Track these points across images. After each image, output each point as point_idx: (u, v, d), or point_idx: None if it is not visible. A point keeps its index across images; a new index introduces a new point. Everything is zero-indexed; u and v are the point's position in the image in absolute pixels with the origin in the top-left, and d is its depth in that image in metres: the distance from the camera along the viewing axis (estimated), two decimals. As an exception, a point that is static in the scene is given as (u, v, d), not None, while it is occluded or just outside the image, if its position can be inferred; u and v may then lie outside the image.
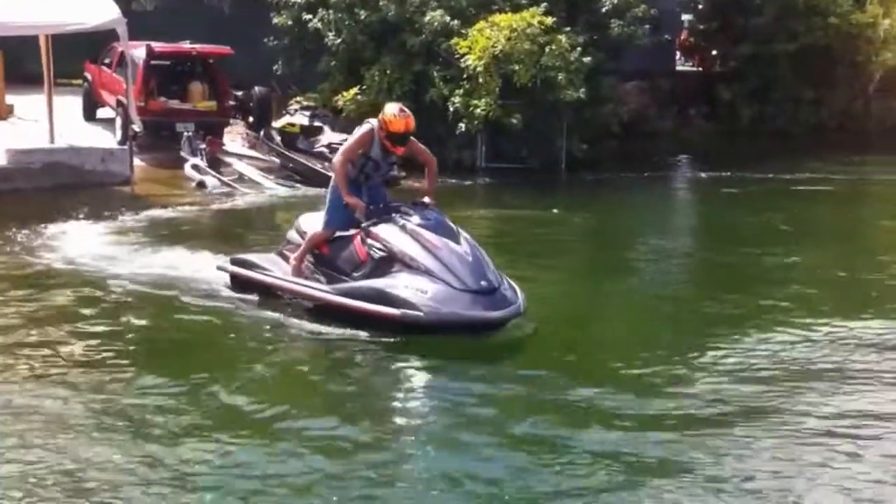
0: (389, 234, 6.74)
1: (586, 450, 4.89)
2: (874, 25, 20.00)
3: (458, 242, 6.71)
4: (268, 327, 6.97)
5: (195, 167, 13.78)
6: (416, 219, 6.77)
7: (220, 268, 7.91)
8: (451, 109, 14.68)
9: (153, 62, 14.90)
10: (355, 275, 6.86)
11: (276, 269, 7.42)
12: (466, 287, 6.48)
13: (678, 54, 22.52)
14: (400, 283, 6.51)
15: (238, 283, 7.68)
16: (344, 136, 14.59)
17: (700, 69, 22.15)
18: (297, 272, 7.22)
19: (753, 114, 19.44)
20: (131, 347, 6.74)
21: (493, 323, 6.56)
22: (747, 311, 7.73)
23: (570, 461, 4.79)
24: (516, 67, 14.49)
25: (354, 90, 15.29)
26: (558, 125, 15.40)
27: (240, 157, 14.88)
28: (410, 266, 6.58)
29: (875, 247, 11.32)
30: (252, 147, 15.46)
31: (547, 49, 14.60)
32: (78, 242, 9.72)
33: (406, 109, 6.92)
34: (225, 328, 7.03)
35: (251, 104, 15.55)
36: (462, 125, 14.60)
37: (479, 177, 15.32)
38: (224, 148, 15.00)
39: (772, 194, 14.55)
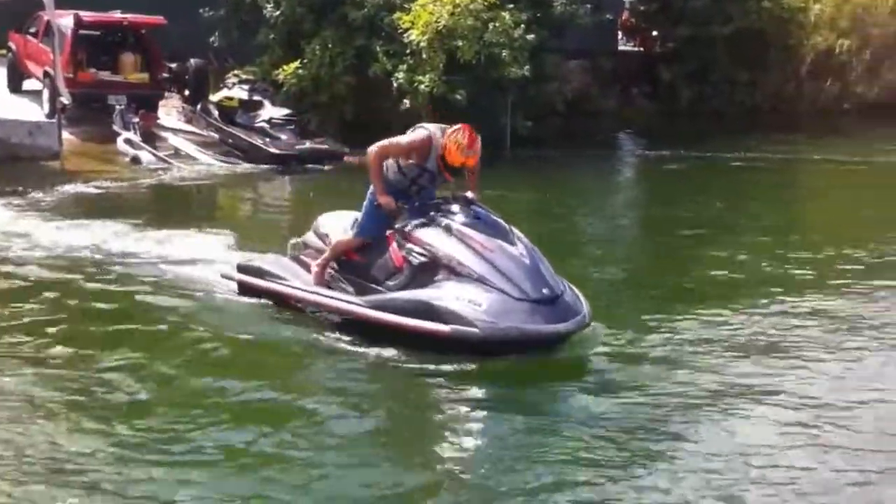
0: (432, 237, 5.80)
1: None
2: (805, 10, 20.46)
3: (512, 243, 5.76)
4: (218, 324, 6.27)
5: (128, 141, 13.29)
6: (460, 217, 5.86)
7: (225, 276, 6.92)
8: (395, 85, 14.40)
9: (82, 32, 14.29)
10: (390, 284, 5.94)
11: (291, 276, 6.47)
12: (526, 296, 5.52)
13: (620, 34, 22.60)
14: (448, 294, 5.56)
15: (247, 292, 6.73)
16: (285, 110, 14.30)
17: (641, 49, 22.24)
18: (320, 280, 6.30)
19: (692, 94, 19.63)
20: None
21: (558, 337, 5.61)
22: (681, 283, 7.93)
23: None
24: (460, 43, 14.26)
25: (295, 64, 14.86)
26: (503, 102, 15.23)
27: (175, 131, 14.40)
28: (459, 273, 5.63)
29: (805, 220, 11.70)
30: (188, 121, 14.96)
31: (490, 25, 14.40)
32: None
33: (478, 141, 5.96)
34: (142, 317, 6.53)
35: (187, 77, 15.01)
36: (406, 101, 14.34)
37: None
38: (159, 122, 14.49)
39: (711, 171, 14.76)
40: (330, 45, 14.88)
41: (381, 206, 6.00)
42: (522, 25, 14.57)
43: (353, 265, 6.23)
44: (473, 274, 5.60)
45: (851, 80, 22.71)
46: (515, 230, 5.96)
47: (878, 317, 6.70)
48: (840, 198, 12.91)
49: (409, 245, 5.87)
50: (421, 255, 5.82)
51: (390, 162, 6.08)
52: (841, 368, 5.71)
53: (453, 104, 14.36)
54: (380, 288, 5.98)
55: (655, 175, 15.17)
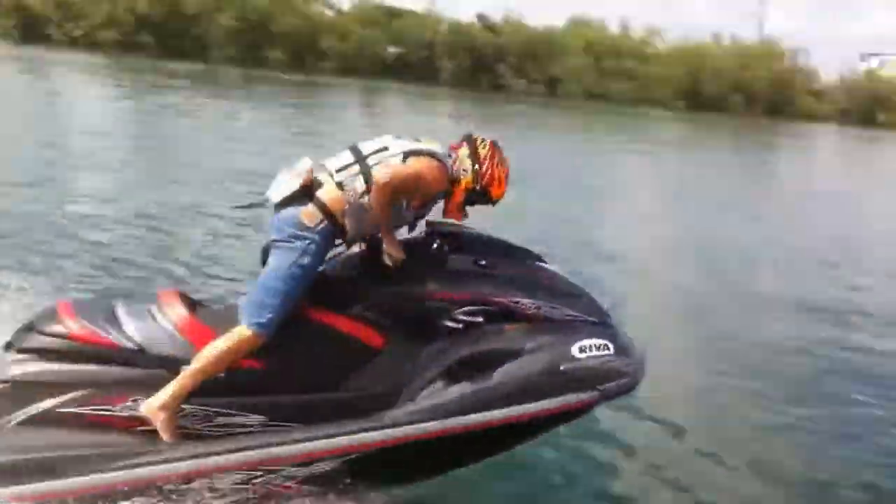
0: (485, 284, 4.17)
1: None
2: None
3: (542, 259, 4.47)
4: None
5: None
6: (475, 247, 4.29)
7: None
8: None
9: None
10: (358, 378, 3.99)
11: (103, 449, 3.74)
12: (608, 317, 4.38)
13: None
14: (565, 350, 4.09)
15: None
16: None
17: None
18: (174, 430, 3.80)
19: None
20: None
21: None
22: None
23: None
24: None
25: None
26: None
27: None
28: (550, 319, 4.19)
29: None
30: None
31: None
32: None
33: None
34: None
35: None
36: None
37: None
38: None
39: None
40: None
41: (306, 272, 3.96)
42: None
43: (251, 377, 3.90)
44: (568, 313, 4.25)
45: None
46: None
47: None
48: None
49: (437, 298, 4.09)
50: (479, 312, 4.14)
51: (364, 201, 4.04)
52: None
53: None
54: (342, 394, 3.97)
55: None
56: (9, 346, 3.80)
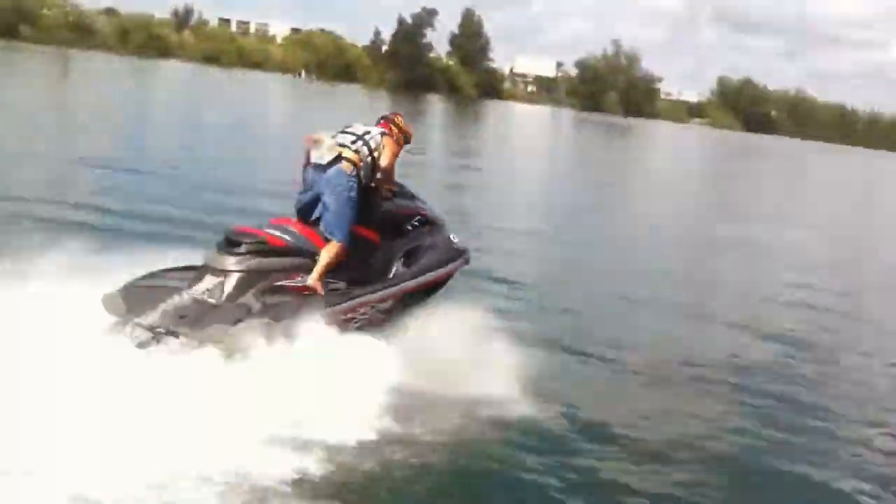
0: (419, 203, 7.71)
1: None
2: None
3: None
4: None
5: None
6: (401, 188, 7.66)
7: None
8: None
9: None
10: (373, 261, 7.19)
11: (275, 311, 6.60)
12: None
13: None
14: (450, 238, 7.72)
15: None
16: None
17: None
18: (322, 290, 6.88)
19: None
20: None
21: None
22: None
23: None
24: None
25: None
26: None
27: None
28: (440, 223, 7.75)
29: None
30: None
31: None
32: None
33: None
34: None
35: None
36: None
37: None
38: None
39: None
40: None
41: (355, 201, 6.99)
42: None
43: (341, 266, 6.93)
44: (445, 221, 7.92)
45: None
46: None
47: None
48: None
49: (404, 214, 7.52)
50: (419, 220, 7.61)
51: (368, 160, 7.18)
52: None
53: None
54: (363, 269, 7.12)
55: None
56: (227, 251, 6.62)
